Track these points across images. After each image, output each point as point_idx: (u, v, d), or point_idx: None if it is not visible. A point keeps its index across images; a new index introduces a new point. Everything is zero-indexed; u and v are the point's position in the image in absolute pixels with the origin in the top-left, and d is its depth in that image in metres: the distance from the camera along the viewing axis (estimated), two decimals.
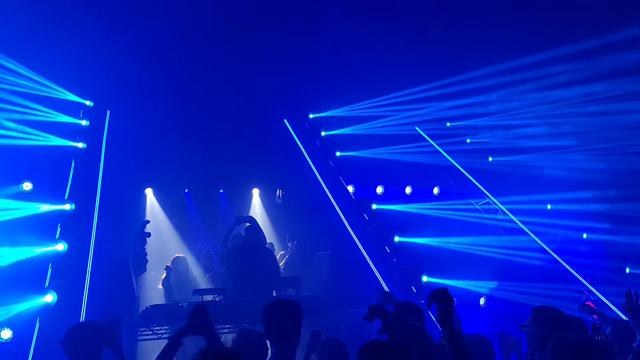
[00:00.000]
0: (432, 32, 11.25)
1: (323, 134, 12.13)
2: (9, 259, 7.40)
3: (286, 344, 3.39)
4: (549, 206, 11.92)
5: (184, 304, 7.82)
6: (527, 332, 3.89)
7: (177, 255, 9.31)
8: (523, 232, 11.12)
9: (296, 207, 11.10)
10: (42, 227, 8.12)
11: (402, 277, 8.91)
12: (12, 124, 9.09)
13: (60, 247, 7.81)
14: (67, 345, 3.84)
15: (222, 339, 3.43)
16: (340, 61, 11.82)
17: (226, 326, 7.42)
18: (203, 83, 11.07)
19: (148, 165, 10.45)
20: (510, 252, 10.58)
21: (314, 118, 12.32)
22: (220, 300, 7.61)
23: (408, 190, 11.63)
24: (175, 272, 8.86)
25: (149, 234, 9.00)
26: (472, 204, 11.64)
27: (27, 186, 8.82)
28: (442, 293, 3.01)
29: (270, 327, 3.43)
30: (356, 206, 10.54)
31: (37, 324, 6.91)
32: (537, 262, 10.62)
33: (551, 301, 9.21)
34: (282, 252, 10.34)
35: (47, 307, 7.02)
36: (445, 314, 2.95)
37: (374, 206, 10.47)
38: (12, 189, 8.73)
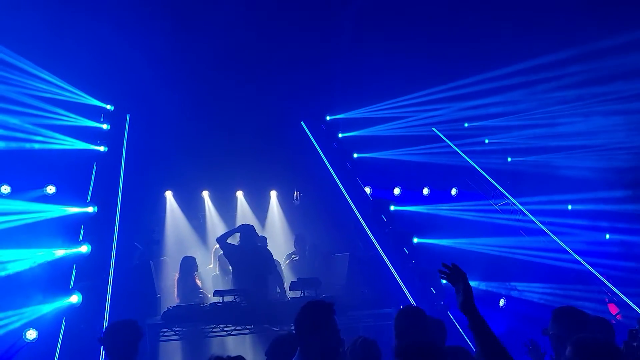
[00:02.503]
0: (449, 33, 11.20)
1: (340, 135, 12.14)
2: (35, 261, 7.56)
3: (310, 343, 3.40)
4: (569, 207, 11.77)
5: (206, 305, 7.90)
6: (550, 334, 3.87)
7: (185, 255, 9.39)
8: (543, 233, 10.98)
9: (314, 209, 11.13)
10: (66, 230, 8.27)
11: (422, 279, 8.89)
12: (36, 128, 9.28)
13: (84, 249, 7.96)
14: (107, 342, 3.93)
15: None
16: (357, 63, 11.82)
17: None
18: (220, 86, 11.15)
19: (167, 168, 10.59)
20: (531, 253, 10.47)
21: (331, 120, 12.35)
22: (235, 302, 7.72)
23: (425, 191, 11.58)
24: (181, 273, 8.94)
25: (157, 240, 9.19)
26: (491, 205, 11.55)
27: (50, 189, 9.01)
28: (461, 276, 2.93)
29: (299, 326, 3.48)
30: (374, 207, 10.52)
31: (63, 324, 7.05)
32: (557, 263, 10.49)
33: (572, 302, 9.10)
34: (287, 254, 10.28)
35: (72, 308, 7.18)
36: (467, 298, 2.85)
37: (392, 207, 10.44)
38: (36, 192, 8.91)
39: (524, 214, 11.41)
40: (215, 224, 11.12)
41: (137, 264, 8.51)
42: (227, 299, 7.70)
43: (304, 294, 8.05)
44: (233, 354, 3.39)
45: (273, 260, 8.73)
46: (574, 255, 10.48)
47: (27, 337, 6.85)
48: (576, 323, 3.77)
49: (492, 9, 10.89)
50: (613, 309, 10.37)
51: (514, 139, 12.41)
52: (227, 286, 9.02)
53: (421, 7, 11.19)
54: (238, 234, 8.60)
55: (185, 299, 8.43)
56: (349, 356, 4.09)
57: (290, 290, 8.40)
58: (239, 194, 11.54)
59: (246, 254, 8.31)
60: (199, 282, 8.89)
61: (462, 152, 11.93)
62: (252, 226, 8.79)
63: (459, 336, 7.98)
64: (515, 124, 12.26)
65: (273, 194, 11.78)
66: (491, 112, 12.10)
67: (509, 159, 12.57)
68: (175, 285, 8.75)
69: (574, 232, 11.06)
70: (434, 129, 12.17)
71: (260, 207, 11.55)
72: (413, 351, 2.68)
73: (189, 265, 8.89)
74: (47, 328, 6.93)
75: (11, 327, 6.85)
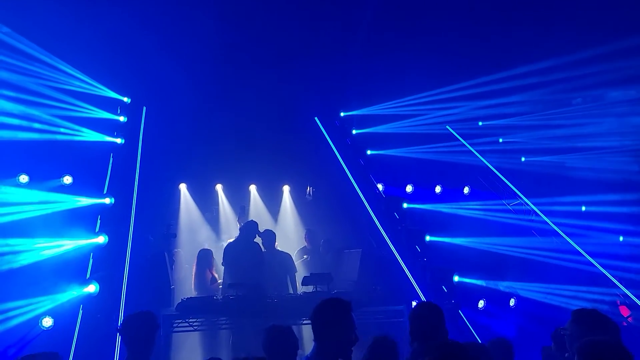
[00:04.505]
0: (464, 31, 11.13)
1: (354, 132, 12.13)
2: (53, 251, 7.69)
3: (328, 340, 3.40)
4: (583, 208, 11.70)
5: (219, 298, 8.00)
6: (567, 334, 3.87)
7: (201, 248, 9.49)
8: (556, 234, 10.94)
9: (326, 205, 11.18)
10: (83, 220, 8.39)
11: (433, 277, 8.91)
12: (54, 119, 9.40)
13: (101, 239, 8.08)
14: (125, 334, 4.01)
15: None
16: (372, 60, 11.79)
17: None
18: (236, 80, 11.21)
19: (182, 161, 10.69)
20: (543, 253, 10.44)
21: (345, 116, 12.33)
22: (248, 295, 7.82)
23: (438, 189, 11.56)
24: (198, 265, 9.05)
25: (174, 235, 9.31)
26: (504, 205, 11.51)
27: (67, 180, 9.12)
28: None
29: (317, 322, 3.46)
30: (386, 204, 10.54)
31: (80, 313, 7.19)
32: (570, 264, 10.44)
33: (583, 304, 9.10)
34: (299, 249, 10.21)
35: (89, 297, 7.31)
36: None
37: (404, 205, 10.46)
38: (53, 182, 9.04)
39: (537, 215, 11.36)
40: (228, 217, 11.22)
41: (151, 256, 8.62)
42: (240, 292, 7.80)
43: (316, 289, 8.12)
44: (245, 347, 3.40)
45: (261, 255, 8.70)
46: (587, 256, 10.43)
47: (43, 324, 6.99)
48: (593, 325, 3.77)
49: (510, 7, 10.81)
50: (624, 311, 10.32)
51: (529, 139, 12.34)
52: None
53: (438, 4, 11.12)
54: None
55: (202, 291, 8.55)
56: (367, 354, 4.08)
57: (302, 286, 8.48)
58: (252, 188, 11.62)
59: (235, 249, 8.46)
60: (215, 275, 9.00)
61: (476, 150, 11.88)
62: (254, 222, 8.87)
63: (469, 334, 8.05)
64: (530, 124, 12.18)
65: (286, 188, 11.85)
66: (506, 112, 12.03)
67: (523, 159, 12.51)
68: (193, 277, 8.88)
69: (587, 233, 11.00)
70: (448, 127, 12.13)
71: (272, 202, 11.63)
72: (446, 351, 2.68)
73: (205, 258, 9.03)
74: (65, 316, 7.06)
75: (30, 315, 6.99)
